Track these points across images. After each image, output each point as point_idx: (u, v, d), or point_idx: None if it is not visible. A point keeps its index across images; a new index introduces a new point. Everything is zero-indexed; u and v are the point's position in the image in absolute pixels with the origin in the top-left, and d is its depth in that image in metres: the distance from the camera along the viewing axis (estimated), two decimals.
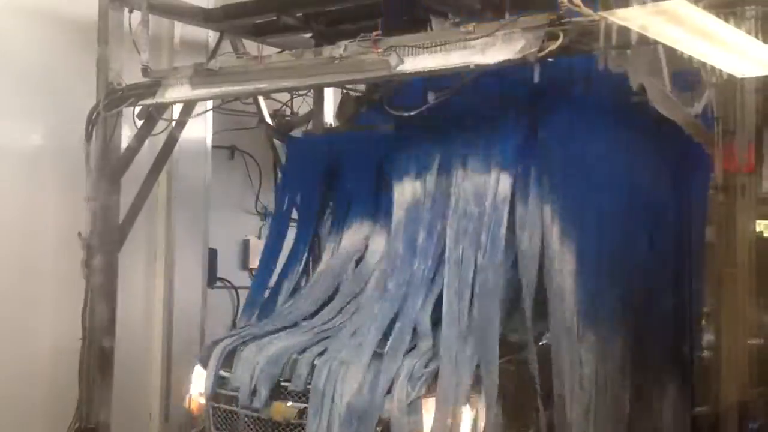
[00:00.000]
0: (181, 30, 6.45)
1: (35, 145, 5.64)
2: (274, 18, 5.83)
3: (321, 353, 4.23)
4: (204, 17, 5.90)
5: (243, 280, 7.06)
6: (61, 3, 5.71)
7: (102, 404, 5.41)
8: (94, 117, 5.41)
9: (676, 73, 3.98)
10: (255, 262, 6.43)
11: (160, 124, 5.53)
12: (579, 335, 4.09)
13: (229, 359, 4.48)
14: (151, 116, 5.43)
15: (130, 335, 5.86)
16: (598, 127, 4.25)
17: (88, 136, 5.44)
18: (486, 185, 4.37)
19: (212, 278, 6.87)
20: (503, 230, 4.24)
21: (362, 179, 5.10)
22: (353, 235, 5.12)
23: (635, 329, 4.33)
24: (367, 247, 5.00)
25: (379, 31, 4.33)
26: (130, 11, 5.36)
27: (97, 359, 5.43)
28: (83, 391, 5.42)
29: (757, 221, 3.88)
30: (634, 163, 4.34)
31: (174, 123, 5.28)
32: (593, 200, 4.23)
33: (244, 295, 6.26)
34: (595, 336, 4.13)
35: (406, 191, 4.78)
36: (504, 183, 4.31)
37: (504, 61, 3.85)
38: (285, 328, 4.70)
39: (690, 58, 3.33)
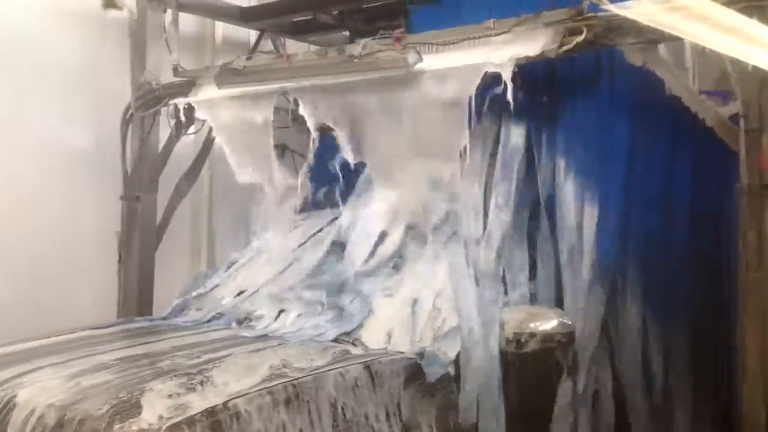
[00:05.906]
0: (224, 29, 6.46)
1: (74, 145, 5.68)
2: (312, 16, 5.76)
3: None
4: (240, 16, 5.86)
5: None
6: (99, 3, 5.74)
7: None
8: (128, 117, 5.44)
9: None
10: None
11: (197, 123, 5.50)
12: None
13: None
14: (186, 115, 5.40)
15: None
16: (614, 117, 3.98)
17: (123, 136, 5.48)
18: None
19: None
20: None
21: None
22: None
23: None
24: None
25: (402, 29, 4.23)
26: (164, 11, 5.36)
27: None
28: None
29: None
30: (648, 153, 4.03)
31: (204, 123, 5.24)
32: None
33: None
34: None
35: None
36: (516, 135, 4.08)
37: (524, 58, 3.70)
38: None
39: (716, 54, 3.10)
